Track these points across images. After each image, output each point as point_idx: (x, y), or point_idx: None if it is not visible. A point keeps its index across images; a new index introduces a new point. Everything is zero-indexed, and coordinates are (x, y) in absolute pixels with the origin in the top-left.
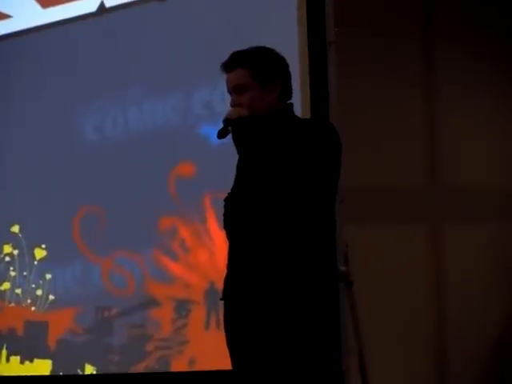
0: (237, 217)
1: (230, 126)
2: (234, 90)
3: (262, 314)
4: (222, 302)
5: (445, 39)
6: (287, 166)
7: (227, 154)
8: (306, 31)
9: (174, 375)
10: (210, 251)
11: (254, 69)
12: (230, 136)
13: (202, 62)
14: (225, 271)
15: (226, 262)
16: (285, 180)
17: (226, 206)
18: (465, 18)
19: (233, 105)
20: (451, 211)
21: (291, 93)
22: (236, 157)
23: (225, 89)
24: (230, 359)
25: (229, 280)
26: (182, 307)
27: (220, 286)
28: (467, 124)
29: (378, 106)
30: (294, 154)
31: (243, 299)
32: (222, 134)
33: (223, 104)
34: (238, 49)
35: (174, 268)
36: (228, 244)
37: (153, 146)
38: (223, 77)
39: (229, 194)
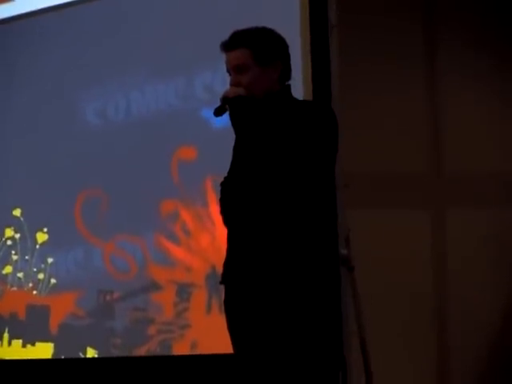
0: (234, 201)
1: (227, 105)
2: (234, 69)
3: (262, 298)
4: (223, 285)
5: (447, 25)
6: (284, 148)
7: (229, 137)
8: (308, 15)
9: (175, 359)
10: (211, 235)
11: (254, 49)
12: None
13: (204, 45)
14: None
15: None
16: (283, 162)
17: (222, 191)
18: (467, 4)
19: (232, 84)
20: (453, 197)
21: (290, 74)
22: None
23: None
24: (231, 343)
25: (229, 264)
26: (184, 291)
27: (222, 269)
28: (470, 111)
29: (381, 92)
30: (292, 135)
31: (244, 283)
32: (218, 112)
33: (225, 87)
34: None
35: (176, 252)
36: (226, 228)
37: (154, 130)
38: (224, 59)
39: (225, 177)
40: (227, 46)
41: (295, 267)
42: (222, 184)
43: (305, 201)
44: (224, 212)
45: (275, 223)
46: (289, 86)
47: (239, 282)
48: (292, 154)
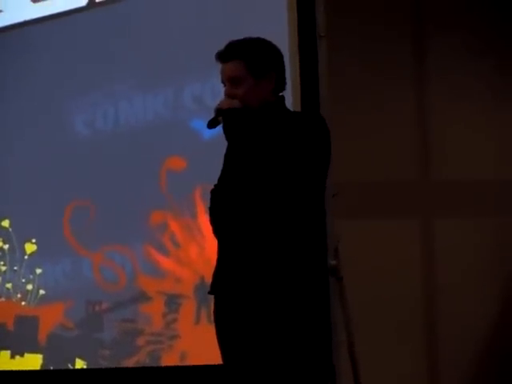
0: (224, 211)
1: (220, 116)
2: (229, 81)
3: (251, 308)
4: (212, 295)
5: (437, 34)
6: (277, 159)
7: (218, 148)
8: (296, 25)
9: (164, 370)
10: (200, 246)
11: (249, 61)
12: (220, 130)
13: (193, 55)
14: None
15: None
16: (274, 173)
17: (212, 199)
18: (456, 7)
19: (226, 95)
20: (443, 205)
21: (285, 85)
22: None
23: (216, 83)
24: (220, 353)
25: (218, 274)
26: (173, 302)
27: (210, 280)
28: (458, 117)
29: (369, 100)
30: (284, 146)
31: (233, 293)
32: (212, 124)
33: (214, 98)
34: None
35: (165, 262)
36: (216, 237)
37: (143, 140)
38: (214, 71)
39: (215, 185)
40: (222, 57)
41: (284, 277)
42: (212, 192)
43: (295, 212)
44: (214, 221)
45: (265, 234)
46: (283, 97)
47: (228, 292)
48: (284, 165)
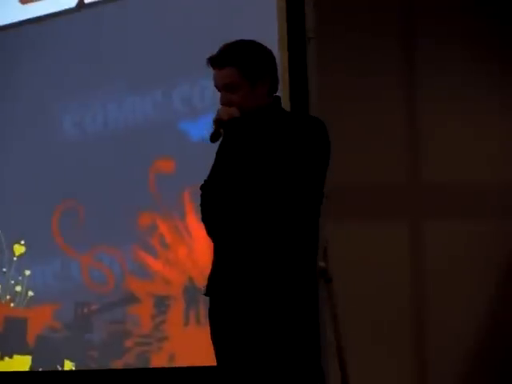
0: (219, 212)
1: (221, 128)
2: (224, 88)
3: (243, 310)
4: (202, 297)
5: (426, 36)
6: (276, 162)
7: (207, 149)
8: (285, 27)
9: (153, 371)
10: (189, 247)
11: (243, 68)
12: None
13: (182, 58)
14: (204, 267)
15: (207, 257)
16: (270, 175)
17: (203, 197)
18: (446, 16)
19: (222, 103)
20: (432, 207)
21: (278, 86)
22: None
23: (205, 84)
24: (209, 355)
25: (213, 275)
26: (162, 303)
27: (199, 281)
28: (449, 121)
29: (359, 103)
30: (284, 149)
31: (227, 295)
32: (214, 138)
33: (203, 100)
34: (218, 45)
35: (154, 264)
36: (210, 238)
37: (132, 142)
38: (203, 73)
39: (206, 181)
40: (215, 64)
41: (276, 279)
42: (202, 188)
43: (289, 213)
44: (207, 221)
45: (258, 236)
46: (279, 98)
47: (223, 294)
48: (282, 167)
